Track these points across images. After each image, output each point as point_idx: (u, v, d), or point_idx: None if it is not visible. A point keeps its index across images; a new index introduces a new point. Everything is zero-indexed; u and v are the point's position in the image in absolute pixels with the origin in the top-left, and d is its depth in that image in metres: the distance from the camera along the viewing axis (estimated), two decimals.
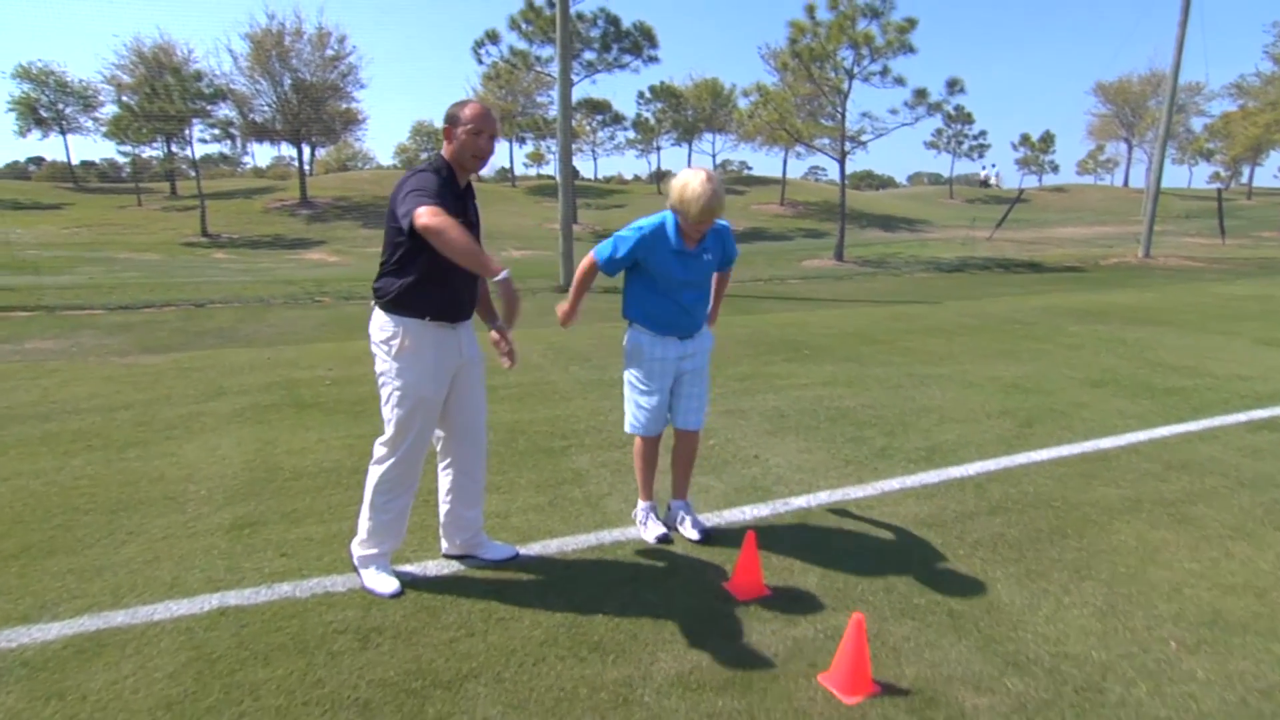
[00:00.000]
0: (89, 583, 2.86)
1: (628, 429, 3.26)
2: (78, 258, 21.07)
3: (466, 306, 2.81)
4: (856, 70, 17.58)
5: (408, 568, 2.99)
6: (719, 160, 56.00)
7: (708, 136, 52.21)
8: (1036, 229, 32.73)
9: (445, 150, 2.72)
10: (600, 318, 9.72)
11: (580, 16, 27.67)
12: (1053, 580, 2.95)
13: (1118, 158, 65.39)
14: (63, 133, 44.36)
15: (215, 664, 2.38)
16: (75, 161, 53.27)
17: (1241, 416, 5.17)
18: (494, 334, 2.97)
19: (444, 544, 3.09)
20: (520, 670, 2.37)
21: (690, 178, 2.94)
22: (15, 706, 2.17)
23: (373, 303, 2.78)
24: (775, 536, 3.32)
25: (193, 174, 40.24)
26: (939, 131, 55.37)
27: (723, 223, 3.17)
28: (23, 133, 43.74)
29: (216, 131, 37.98)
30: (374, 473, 2.82)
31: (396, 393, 2.72)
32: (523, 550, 3.16)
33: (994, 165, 67.41)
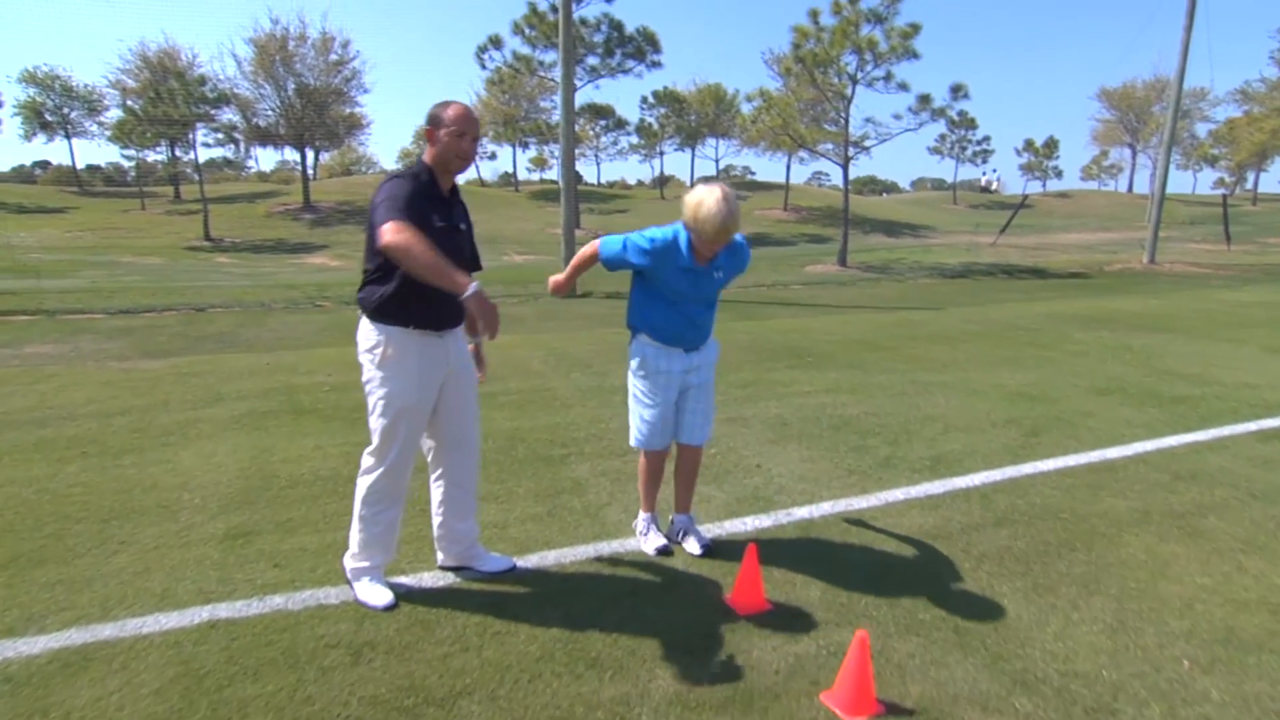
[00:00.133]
0: (78, 594, 2.81)
1: (633, 443, 3.20)
2: (80, 261, 21.12)
3: (451, 315, 2.75)
4: (860, 75, 17.55)
5: (403, 579, 2.94)
6: (722, 165, 56.09)
7: (711, 142, 52.35)
8: (1040, 234, 32.63)
9: (428, 154, 2.67)
10: (601, 323, 9.70)
11: (584, 21, 27.75)
12: (1061, 595, 2.88)
13: (1122, 163, 65.51)
14: (68, 137, 44.67)
15: (203, 680, 2.32)
16: (80, 165, 53.63)
17: (1251, 426, 5.09)
18: (471, 346, 2.94)
19: (439, 556, 3.04)
20: (515, 688, 2.31)
21: (705, 195, 2.80)
22: None
23: (359, 311, 2.74)
24: (777, 548, 3.25)
25: (196, 178, 40.43)
26: (943, 137, 55.50)
27: (739, 238, 3.05)
28: (28, 136, 44.09)
29: (220, 136, 38.23)
30: (362, 484, 2.77)
31: (380, 402, 2.67)
32: (520, 561, 3.11)
33: (995, 170, 67.43)
